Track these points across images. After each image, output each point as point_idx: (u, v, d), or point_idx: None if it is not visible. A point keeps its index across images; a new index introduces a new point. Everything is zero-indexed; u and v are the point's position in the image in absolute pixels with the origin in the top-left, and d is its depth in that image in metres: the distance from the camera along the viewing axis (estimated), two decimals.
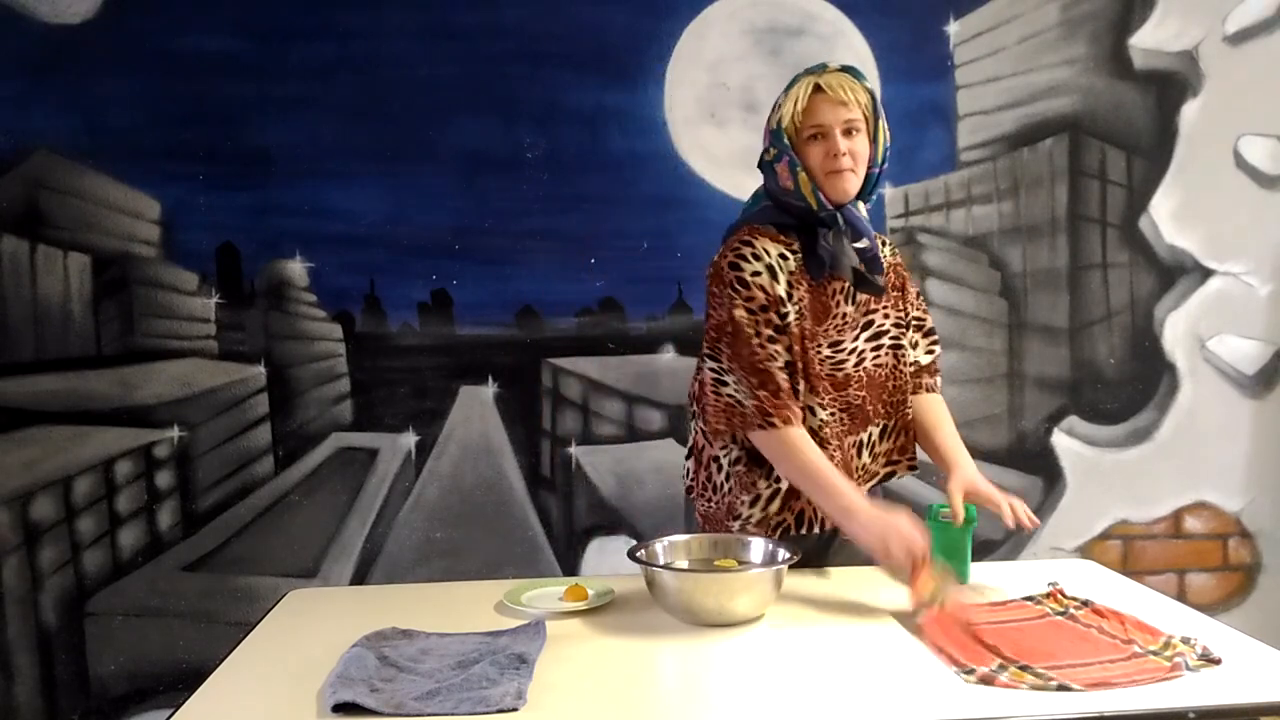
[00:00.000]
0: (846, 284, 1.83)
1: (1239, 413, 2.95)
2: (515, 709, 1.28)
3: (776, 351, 1.77)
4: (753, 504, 1.84)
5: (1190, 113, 2.86)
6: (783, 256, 1.80)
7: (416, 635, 1.56)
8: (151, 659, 2.71)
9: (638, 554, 1.72)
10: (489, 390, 2.77)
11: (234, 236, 2.67)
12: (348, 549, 2.75)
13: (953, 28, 2.79)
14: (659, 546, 1.74)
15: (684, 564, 1.72)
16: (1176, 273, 2.91)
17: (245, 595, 2.71)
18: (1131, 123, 2.86)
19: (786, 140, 1.78)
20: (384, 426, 2.75)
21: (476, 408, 2.77)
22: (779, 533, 1.83)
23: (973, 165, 2.84)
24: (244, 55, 2.61)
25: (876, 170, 1.83)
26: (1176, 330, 2.92)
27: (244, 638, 1.62)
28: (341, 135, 2.66)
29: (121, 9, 2.57)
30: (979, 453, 2.87)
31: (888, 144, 1.83)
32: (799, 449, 1.74)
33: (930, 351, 1.99)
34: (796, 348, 1.79)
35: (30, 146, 2.59)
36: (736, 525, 1.85)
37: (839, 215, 1.78)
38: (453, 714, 1.28)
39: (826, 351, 1.83)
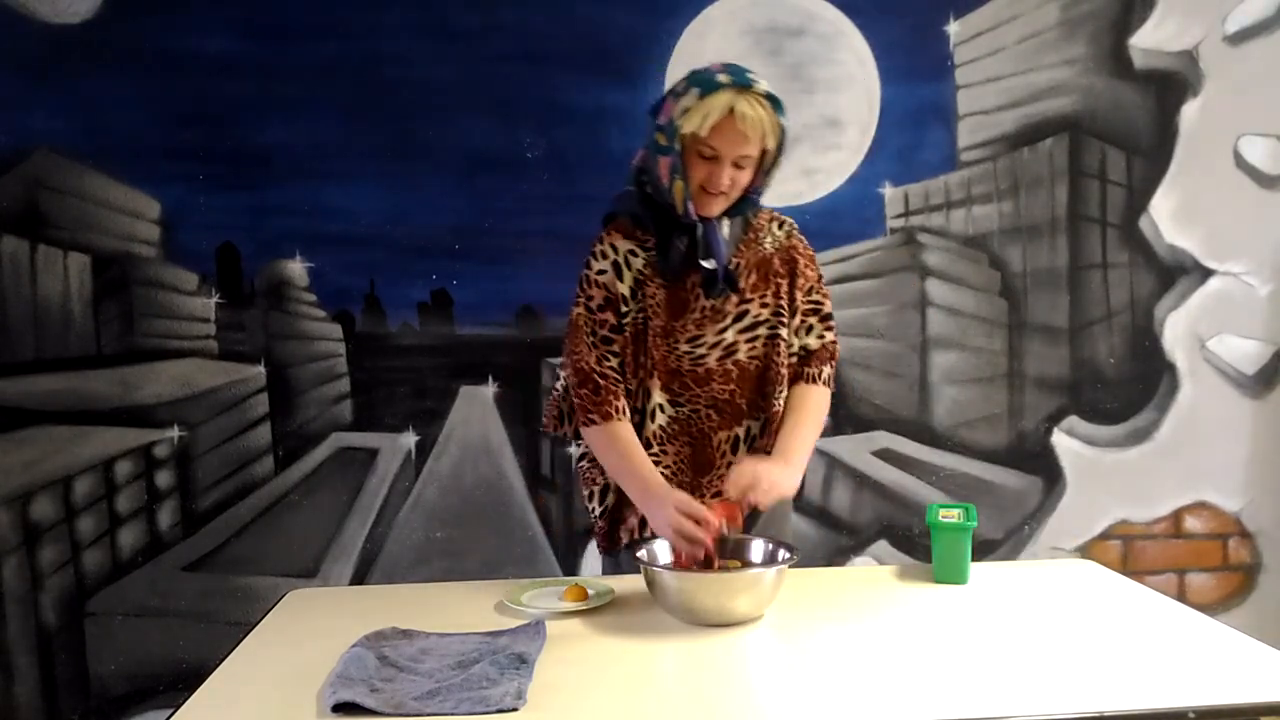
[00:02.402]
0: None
1: (1239, 413, 2.95)
2: (515, 709, 1.28)
3: (608, 353, 1.83)
4: (589, 498, 1.95)
5: (1190, 113, 2.86)
6: (632, 253, 1.83)
7: (416, 635, 1.56)
8: (151, 659, 2.71)
9: (638, 554, 1.73)
10: (489, 390, 2.77)
11: (234, 236, 2.67)
12: (348, 549, 2.75)
13: (953, 28, 2.79)
14: (659, 546, 1.75)
15: None
16: (1176, 273, 2.91)
17: (245, 595, 2.71)
18: (1131, 123, 2.86)
19: (679, 145, 1.73)
20: (384, 426, 2.75)
21: (476, 408, 2.77)
22: (605, 537, 1.93)
23: (973, 165, 2.84)
24: (244, 55, 2.61)
25: (755, 195, 1.83)
26: (1176, 330, 2.92)
27: (244, 638, 1.62)
28: (341, 135, 2.66)
29: (121, 9, 2.57)
30: (979, 452, 2.91)
31: (772, 172, 1.81)
32: (610, 439, 1.81)
33: (821, 337, 1.92)
34: (631, 349, 1.83)
35: (30, 146, 2.59)
36: (593, 518, 1.96)
37: (700, 227, 1.78)
38: (453, 714, 1.28)
39: (684, 347, 1.83)
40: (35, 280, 2.63)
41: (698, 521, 1.64)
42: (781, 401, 1.89)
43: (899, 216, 2.83)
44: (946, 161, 2.83)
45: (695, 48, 2.70)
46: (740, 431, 1.89)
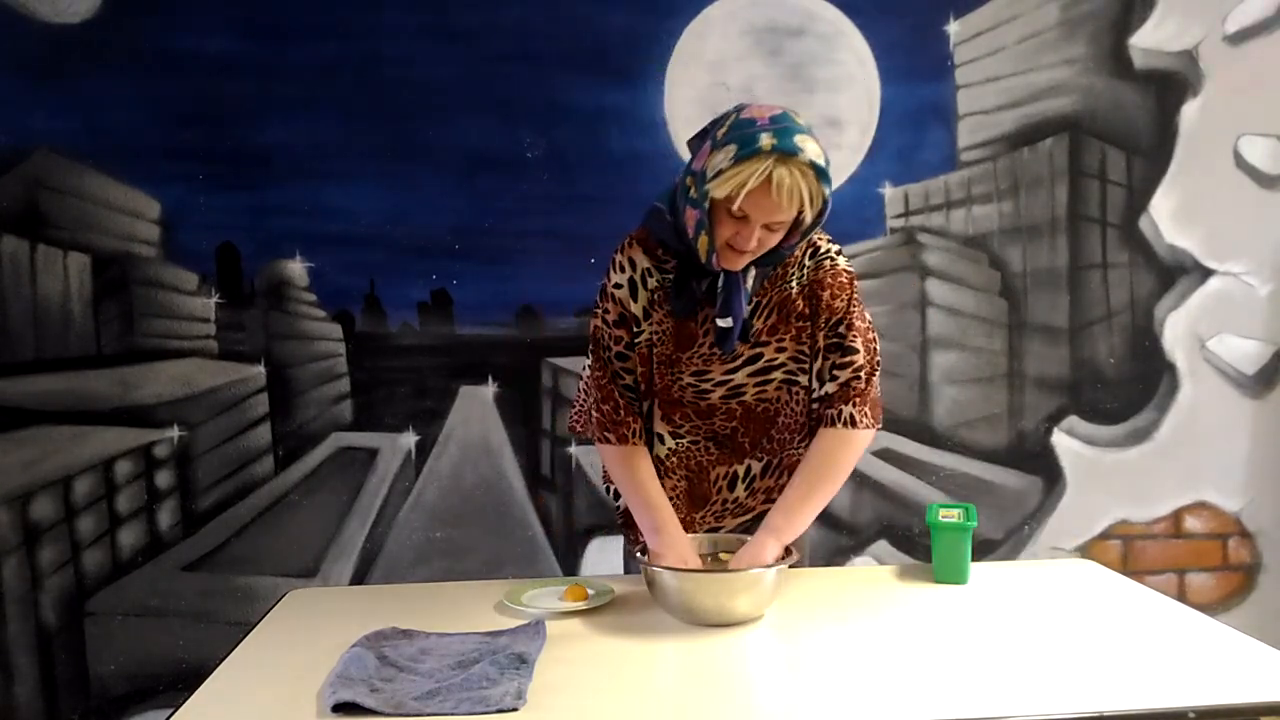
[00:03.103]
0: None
1: (1239, 413, 2.95)
2: (515, 709, 1.28)
3: (622, 370, 1.78)
4: (608, 492, 1.95)
5: (1190, 113, 2.86)
6: (648, 272, 1.73)
7: (416, 635, 1.56)
8: (151, 659, 2.71)
9: (638, 554, 1.73)
10: (489, 390, 2.77)
11: (234, 236, 2.67)
12: (348, 549, 2.75)
13: (953, 27, 2.79)
14: None
15: None
16: (1176, 273, 2.91)
17: (245, 595, 2.71)
18: (1131, 123, 2.86)
19: (707, 203, 1.58)
20: (384, 426, 2.75)
21: (476, 408, 2.77)
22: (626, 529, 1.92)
23: (973, 165, 2.84)
24: (244, 55, 2.61)
25: (784, 249, 1.68)
26: (1176, 330, 2.92)
27: (244, 638, 1.62)
28: (341, 135, 2.66)
29: (121, 9, 2.57)
30: (979, 452, 2.90)
31: (808, 235, 1.68)
32: (626, 466, 1.77)
33: (835, 378, 1.74)
34: (643, 369, 1.77)
35: (30, 146, 2.59)
36: (618, 506, 1.94)
37: (722, 276, 1.67)
38: (453, 714, 1.28)
39: (688, 379, 1.77)
40: (35, 280, 2.63)
41: None
42: (796, 450, 1.81)
43: (899, 216, 2.83)
44: (946, 161, 2.83)
45: (695, 48, 2.70)
46: (740, 469, 1.84)
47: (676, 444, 1.83)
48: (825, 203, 1.60)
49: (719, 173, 1.55)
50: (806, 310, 1.74)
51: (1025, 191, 2.86)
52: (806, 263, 1.74)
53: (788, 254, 1.71)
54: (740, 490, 1.86)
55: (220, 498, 2.72)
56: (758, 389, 1.78)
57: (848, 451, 1.74)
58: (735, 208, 1.56)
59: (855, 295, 1.77)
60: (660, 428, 1.82)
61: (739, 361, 1.76)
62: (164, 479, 2.69)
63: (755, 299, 1.73)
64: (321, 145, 2.65)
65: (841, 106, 2.78)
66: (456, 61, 2.66)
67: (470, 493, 2.77)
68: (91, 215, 2.62)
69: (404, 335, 2.74)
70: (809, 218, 1.61)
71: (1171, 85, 2.86)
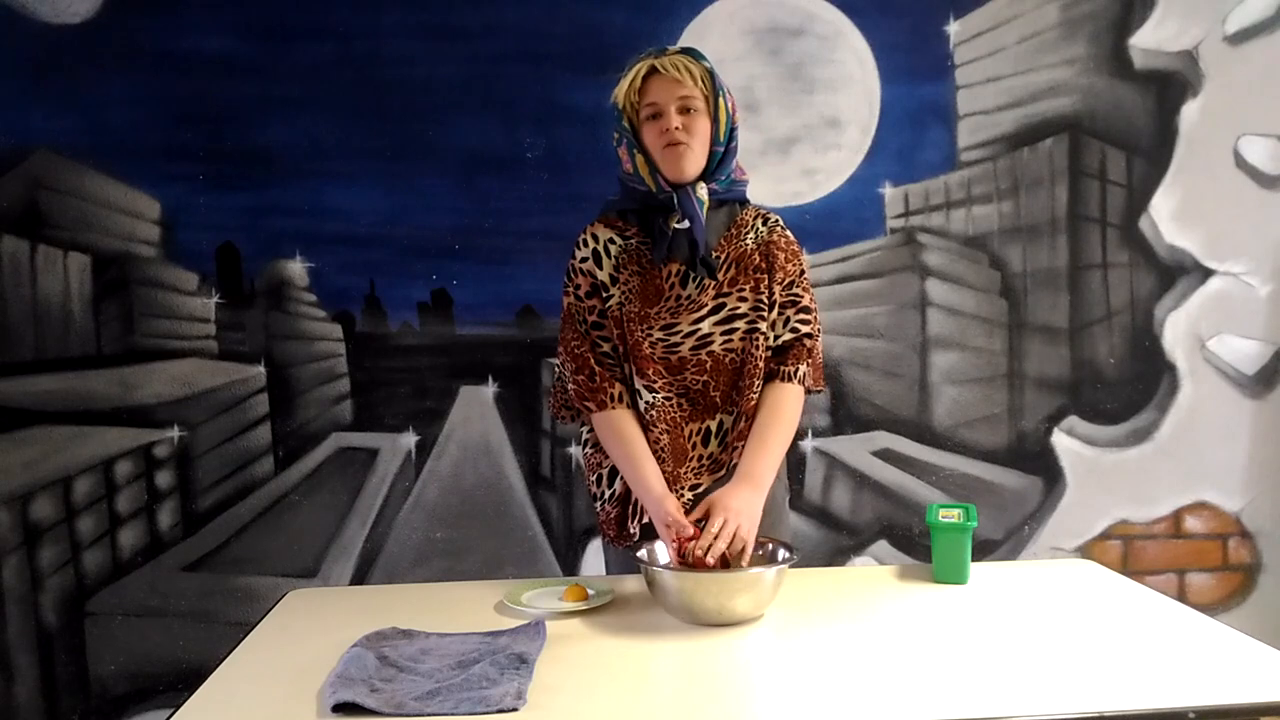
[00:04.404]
0: (682, 266, 1.84)
1: (1239, 413, 2.95)
2: (515, 709, 1.28)
3: (599, 338, 1.88)
4: (596, 483, 1.96)
5: (1190, 113, 2.86)
6: (611, 241, 1.88)
7: (416, 635, 1.56)
8: (151, 659, 2.71)
9: (638, 554, 1.73)
10: (489, 390, 2.77)
11: (234, 236, 2.67)
12: (348, 549, 2.75)
13: (953, 28, 2.79)
14: (659, 546, 1.75)
15: None
16: (1176, 273, 2.91)
17: (245, 595, 2.71)
18: (1131, 123, 2.86)
19: (626, 123, 1.85)
20: (384, 426, 2.75)
21: (476, 408, 2.77)
22: (616, 523, 1.91)
23: (973, 165, 2.84)
24: (244, 55, 2.61)
25: (720, 149, 1.84)
26: (1176, 330, 2.92)
27: (244, 638, 1.62)
28: (341, 135, 2.66)
29: (121, 9, 2.57)
30: (979, 453, 2.90)
31: (730, 123, 1.85)
32: (610, 429, 1.85)
33: (795, 330, 1.89)
34: (618, 331, 1.86)
35: (30, 146, 2.59)
36: (598, 506, 1.95)
37: (675, 197, 1.81)
38: (453, 714, 1.28)
39: (658, 334, 1.85)
40: (35, 280, 2.63)
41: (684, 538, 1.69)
42: (756, 395, 1.87)
43: (899, 216, 2.83)
44: (946, 161, 2.83)
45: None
46: (712, 425, 1.88)
47: (653, 398, 1.87)
48: (714, 76, 1.82)
49: (616, 95, 1.84)
50: (764, 265, 1.88)
51: (1025, 191, 2.86)
52: (760, 226, 1.91)
53: (743, 190, 1.91)
54: (714, 445, 1.89)
55: (220, 498, 2.72)
56: (724, 339, 1.86)
57: (799, 406, 1.89)
58: (642, 101, 1.81)
59: (805, 267, 1.94)
60: (637, 384, 1.88)
61: (705, 311, 1.85)
62: (164, 479, 2.69)
63: (716, 254, 1.85)
64: (321, 145, 2.66)
65: (841, 106, 2.78)
66: (456, 61, 2.66)
67: (470, 493, 2.77)
68: (91, 215, 2.62)
69: (404, 335, 2.74)
70: (707, 89, 1.81)
71: (1171, 85, 2.86)
